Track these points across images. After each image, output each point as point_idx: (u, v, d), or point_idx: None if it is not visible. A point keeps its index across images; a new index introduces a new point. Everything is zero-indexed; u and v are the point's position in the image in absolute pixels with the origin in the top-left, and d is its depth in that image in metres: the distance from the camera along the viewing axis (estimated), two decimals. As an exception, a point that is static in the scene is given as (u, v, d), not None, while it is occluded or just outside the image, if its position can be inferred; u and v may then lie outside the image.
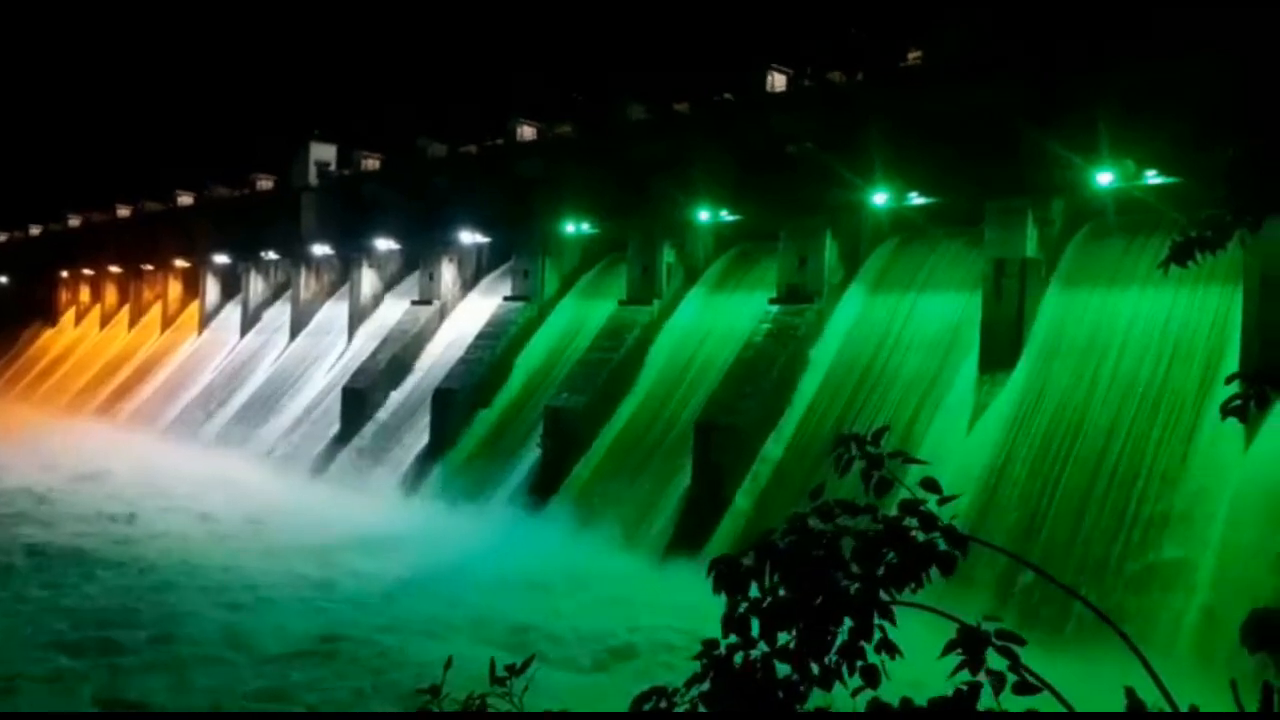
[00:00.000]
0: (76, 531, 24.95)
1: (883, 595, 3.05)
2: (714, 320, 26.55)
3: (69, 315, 60.10)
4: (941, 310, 22.09)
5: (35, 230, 67.24)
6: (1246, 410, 4.50)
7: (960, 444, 19.66)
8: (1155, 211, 18.72)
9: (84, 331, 57.57)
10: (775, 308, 23.99)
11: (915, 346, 22.00)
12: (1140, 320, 18.63)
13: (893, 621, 3.04)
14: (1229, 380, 4.86)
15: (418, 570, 20.83)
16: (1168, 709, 2.95)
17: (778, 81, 26.51)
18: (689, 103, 28.80)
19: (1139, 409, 17.68)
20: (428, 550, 22.38)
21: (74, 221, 62.38)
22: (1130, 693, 2.97)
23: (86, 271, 58.51)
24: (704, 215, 26.95)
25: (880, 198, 22.89)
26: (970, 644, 2.92)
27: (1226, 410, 4.50)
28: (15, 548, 22.85)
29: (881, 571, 3.06)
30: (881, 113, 22.87)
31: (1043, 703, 2.91)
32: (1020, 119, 19.67)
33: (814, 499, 3.31)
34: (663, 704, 3.20)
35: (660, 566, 20.28)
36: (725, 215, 26.98)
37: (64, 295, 60.88)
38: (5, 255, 68.05)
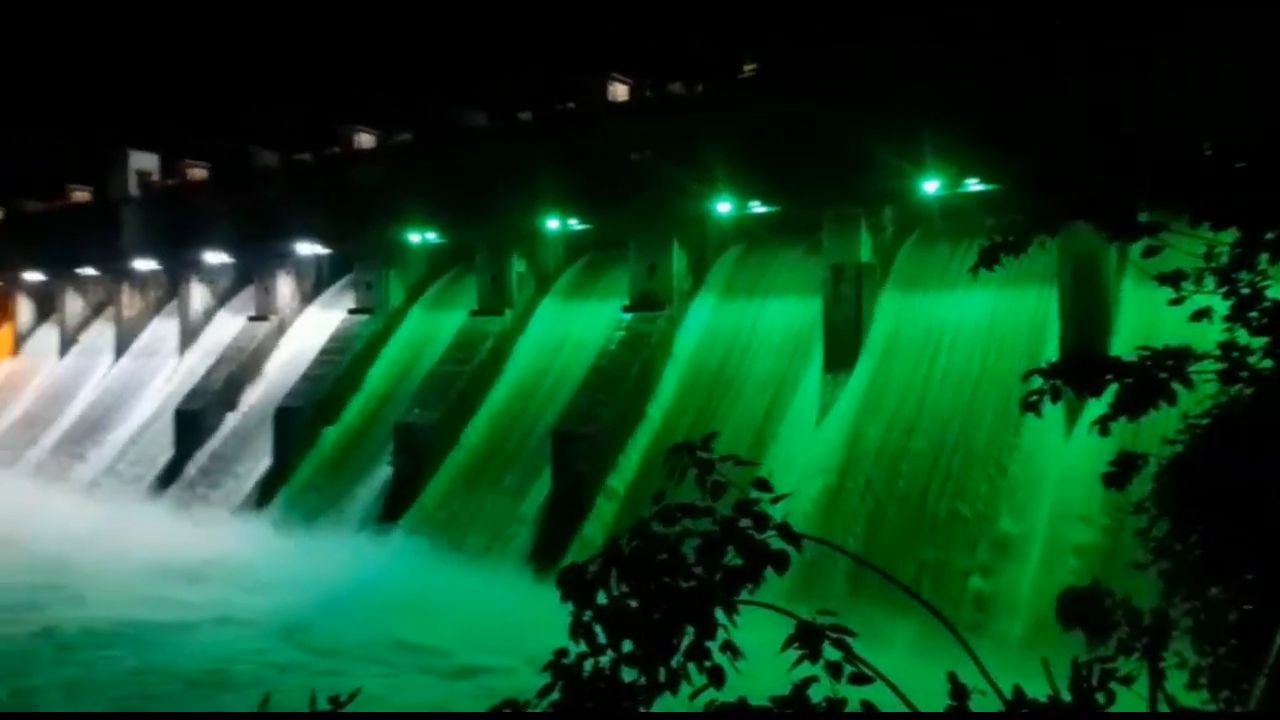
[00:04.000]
0: None
1: (720, 595, 3.14)
2: (568, 329, 26.59)
3: None
4: (787, 315, 22.90)
5: None
6: (1041, 405, 4.89)
7: (809, 441, 20.46)
8: (977, 217, 19.97)
9: None
10: (628, 316, 24.25)
11: (764, 350, 22.74)
12: (968, 319, 19.87)
13: (733, 621, 3.14)
14: (1026, 376, 5.13)
15: (276, 596, 19.95)
16: (990, 691, 3.15)
17: (619, 91, 26.75)
18: (531, 111, 28.69)
19: (971, 402, 18.90)
20: (271, 576, 21.51)
21: None
22: (952, 677, 3.17)
23: None
24: (553, 224, 26.91)
25: (724, 206, 23.48)
26: (807, 638, 3.05)
27: (1025, 405, 4.89)
28: None
29: (720, 575, 3.16)
30: (720, 123, 23.45)
31: (877, 693, 3.02)
32: (851, 128, 20.57)
33: (656, 503, 3.39)
34: (509, 711, 3.21)
35: (521, 579, 20.13)
36: (574, 224, 27.03)
37: None
38: None
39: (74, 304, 42.17)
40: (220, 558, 23.54)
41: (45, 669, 16.82)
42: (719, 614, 3.12)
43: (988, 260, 5.36)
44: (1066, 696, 3.22)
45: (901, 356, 20.36)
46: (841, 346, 21.06)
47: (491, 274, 27.47)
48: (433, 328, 29.25)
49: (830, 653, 3.03)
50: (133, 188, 40.32)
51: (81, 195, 43.86)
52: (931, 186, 20.25)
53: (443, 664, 16.26)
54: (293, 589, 20.41)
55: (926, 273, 21.19)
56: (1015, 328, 19.31)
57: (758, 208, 23.72)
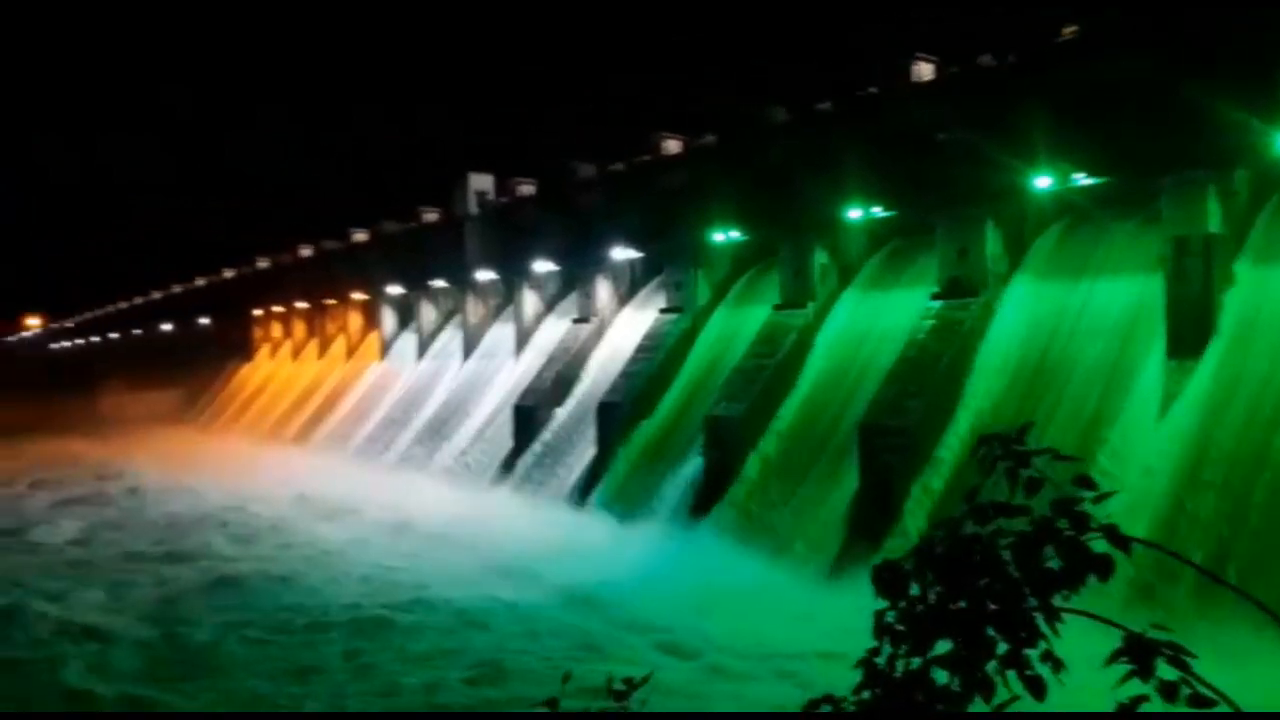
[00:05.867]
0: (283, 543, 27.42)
1: (1033, 600, 2.96)
2: (873, 320, 25.91)
3: (264, 350, 64.89)
4: (1119, 296, 20.76)
5: (229, 274, 73.10)
6: None
7: (1149, 436, 18.41)
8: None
9: (277, 365, 62.02)
10: (937, 303, 23.15)
11: (1093, 336, 20.76)
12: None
13: (1055, 629, 2.95)
14: None
15: (588, 580, 21.27)
16: None
17: (924, 71, 25.63)
18: (832, 101, 28.27)
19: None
20: (590, 559, 22.87)
21: (263, 264, 67.42)
22: None
23: (277, 309, 63.04)
24: (855, 213, 26.37)
25: (1042, 181, 21.73)
26: (1137, 652, 2.80)
27: None
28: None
29: (1037, 578, 2.97)
30: (1036, 93, 21.73)
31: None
32: (1194, 82, 18.24)
33: (968, 501, 3.24)
34: (830, 709, 3.21)
35: (824, 576, 19.90)
36: (878, 211, 26.30)
37: (258, 332, 65.79)
38: (205, 298, 74.29)
39: (428, 313, 47.50)
40: (549, 539, 25.43)
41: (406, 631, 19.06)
42: (1039, 621, 2.96)
43: None
44: None
45: (1260, 340, 17.73)
46: (1187, 330, 18.73)
47: (794, 268, 27.41)
48: (738, 323, 29.71)
49: (1165, 671, 2.78)
50: (472, 206, 44.75)
51: (430, 216, 49.42)
52: (1296, 141, 17.49)
53: (737, 659, 16.37)
54: (606, 573, 21.60)
55: (1293, 242, 18.33)
56: None
57: (1082, 180, 21.72)
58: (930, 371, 22.12)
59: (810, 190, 26.79)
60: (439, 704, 15.29)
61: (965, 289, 22.80)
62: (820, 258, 27.01)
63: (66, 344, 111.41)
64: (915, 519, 20.23)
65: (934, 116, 24.04)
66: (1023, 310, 22.38)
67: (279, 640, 18.48)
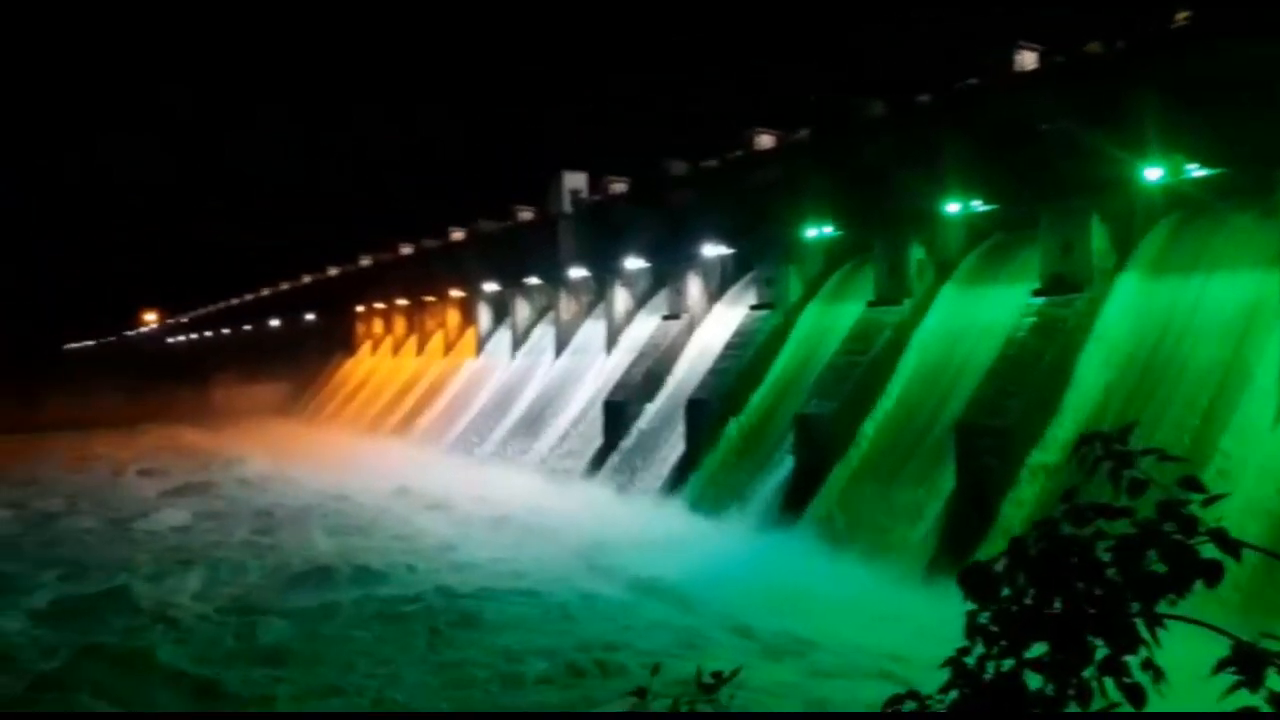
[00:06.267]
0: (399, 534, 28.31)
1: (1135, 605, 2.86)
2: (970, 317, 25.27)
3: (366, 346, 66.87)
4: (1236, 293, 19.74)
5: (334, 271, 75.60)
6: None
7: (1265, 439, 17.53)
8: None
9: (379, 359, 63.83)
10: (1039, 300, 22.44)
11: (1207, 334, 19.81)
12: None
13: (1155, 638, 2.84)
14: None
15: (678, 577, 21.30)
16: None
17: (1027, 59, 24.86)
18: (931, 93, 27.65)
19: None
20: (679, 555, 22.91)
21: (365, 261, 69.58)
22: None
23: (378, 305, 64.92)
24: (953, 207, 25.76)
25: (1153, 173, 20.86)
26: (1247, 662, 2.69)
27: None
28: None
29: (1139, 583, 2.87)
30: (1149, 82, 20.86)
31: None
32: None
33: (1065, 501, 3.14)
34: (914, 705, 3.18)
35: (918, 579, 19.50)
36: (977, 205, 25.65)
37: (360, 328, 67.83)
38: (311, 295, 76.98)
39: (522, 310, 48.25)
40: (639, 535, 25.56)
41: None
42: (1141, 626, 2.86)
43: None
44: None
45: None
46: (1310, 328, 17.76)
47: (889, 263, 26.92)
48: (830, 320, 29.34)
49: (1275, 682, 2.68)
50: (566, 205, 45.28)
51: (526, 214, 50.17)
52: None
53: (837, 658, 16.21)
54: (697, 570, 21.59)
55: None
56: None
57: (1195, 171, 20.77)
58: (1031, 370, 21.46)
59: (907, 184, 26.29)
60: (533, 696, 15.44)
61: (1069, 285, 22.05)
62: (916, 253, 26.47)
63: (181, 338, 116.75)
64: (1010, 520, 19.65)
65: (1038, 107, 23.32)
66: (1130, 307, 21.53)
67: (374, 629, 18.90)
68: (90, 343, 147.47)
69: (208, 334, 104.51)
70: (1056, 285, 22.27)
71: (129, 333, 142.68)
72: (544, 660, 16.71)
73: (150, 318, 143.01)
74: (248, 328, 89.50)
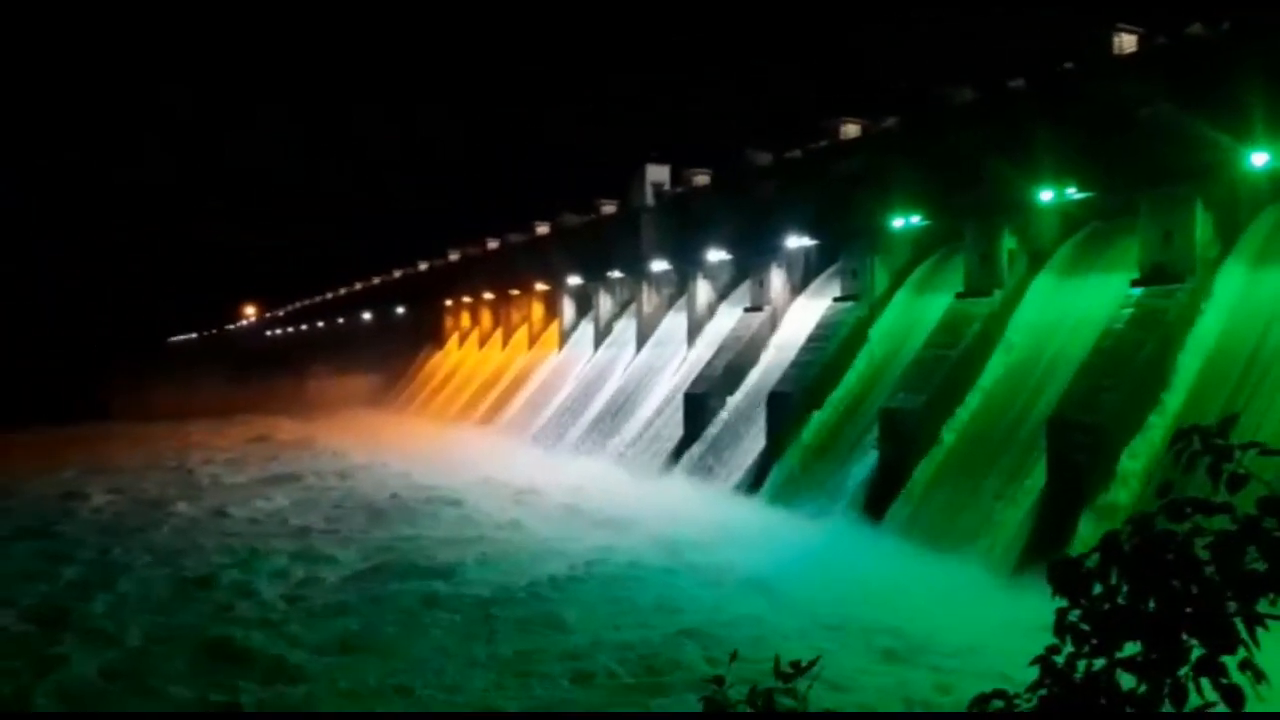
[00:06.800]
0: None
1: (1233, 604, 2.79)
2: (1065, 308, 24.52)
3: (453, 338, 68.21)
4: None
5: (423, 266, 77.41)
6: None
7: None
8: None
9: (466, 352, 65.06)
10: (1138, 291, 21.64)
11: (1315, 326, 18.90)
12: None
13: (1255, 639, 2.78)
14: None
15: (763, 572, 21.19)
16: None
17: (1126, 42, 23.97)
18: (1024, 78, 26.88)
19: None
20: (761, 548, 22.80)
21: (453, 256, 71.11)
22: None
23: (465, 299, 66.16)
24: (1047, 195, 25.00)
25: (1260, 158, 19.92)
26: None
27: None
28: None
29: (1237, 581, 2.80)
30: (1255, 64, 19.90)
31: None
32: None
33: (1161, 496, 3.09)
34: (1001, 704, 3.16)
35: (1006, 577, 19.03)
36: (1072, 193, 24.85)
37: (448, 321, 69.22)
38: (401, 289, 78.91)
39: (605, 303, 48.56)
40: (722, 528, 25.48)
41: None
42: (1240, 626, 2.80)
43: None
44: None
45: None
46: None
47: (980, 253, 26.28)
48: (917, 312, 28.79)
49: None
50: (649, 198, 45.40)
51: (609, 208, 50.49)
52: None
53: (928, 654, 15.96)
54: (781, 564, 21.44)
55: None
56: None
57: (1307, 156, 19.77)
58: (1128, 364, 20.72)
59: (999, 171, 25.62)
60: (619, 684, 15.56)
61: (1170, 275, 21.22)
62: (1009, 242, 25.78)
63: (278, 331, 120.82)
64: (1104, 519, 19.00)
65: (1137, 91, 22.46)
66: (1235, 299, 20.63)
67: (459, 619, 19.22)
68: (192, 335, 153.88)
69: (303, 327, 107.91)
70: (1157, 275, 21.45)
71: (229, 326, 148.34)
72: (640, 650, 16.80)
73: (250, 311, 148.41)
74: (341, 321, 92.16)
